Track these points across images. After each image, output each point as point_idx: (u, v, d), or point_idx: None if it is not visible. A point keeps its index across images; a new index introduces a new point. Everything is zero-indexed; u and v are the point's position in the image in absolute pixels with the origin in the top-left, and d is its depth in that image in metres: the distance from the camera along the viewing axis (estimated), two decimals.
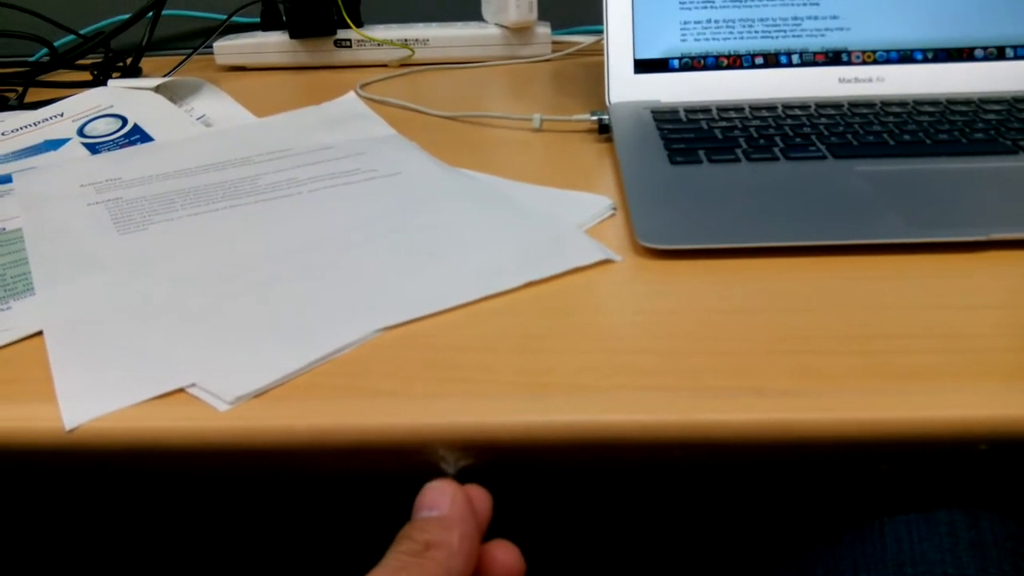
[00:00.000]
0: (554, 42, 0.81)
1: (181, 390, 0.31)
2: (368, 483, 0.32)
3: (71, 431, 0.30)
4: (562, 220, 0.43)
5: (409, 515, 0.28)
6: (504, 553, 0.29)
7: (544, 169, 0.51)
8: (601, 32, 0.58)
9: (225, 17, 0.84)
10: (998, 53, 0.57)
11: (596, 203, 0.45)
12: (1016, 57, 0.57)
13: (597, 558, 0.51)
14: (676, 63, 0.58)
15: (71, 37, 0.83)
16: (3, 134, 0.60)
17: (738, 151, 0.48)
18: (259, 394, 0.31)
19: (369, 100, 0.66)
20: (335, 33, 0.79)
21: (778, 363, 0.31)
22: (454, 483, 0.28)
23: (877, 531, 0.33)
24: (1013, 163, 0.45)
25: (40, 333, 0.35)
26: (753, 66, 0.58)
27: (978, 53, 0.57)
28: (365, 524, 0.28)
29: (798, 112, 0.54)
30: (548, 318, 0.35)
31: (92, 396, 0.31)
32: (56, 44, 0.80)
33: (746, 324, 0.34)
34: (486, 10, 0.82)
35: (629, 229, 0.42)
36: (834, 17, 0.58)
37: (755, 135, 0.50)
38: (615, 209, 0.45)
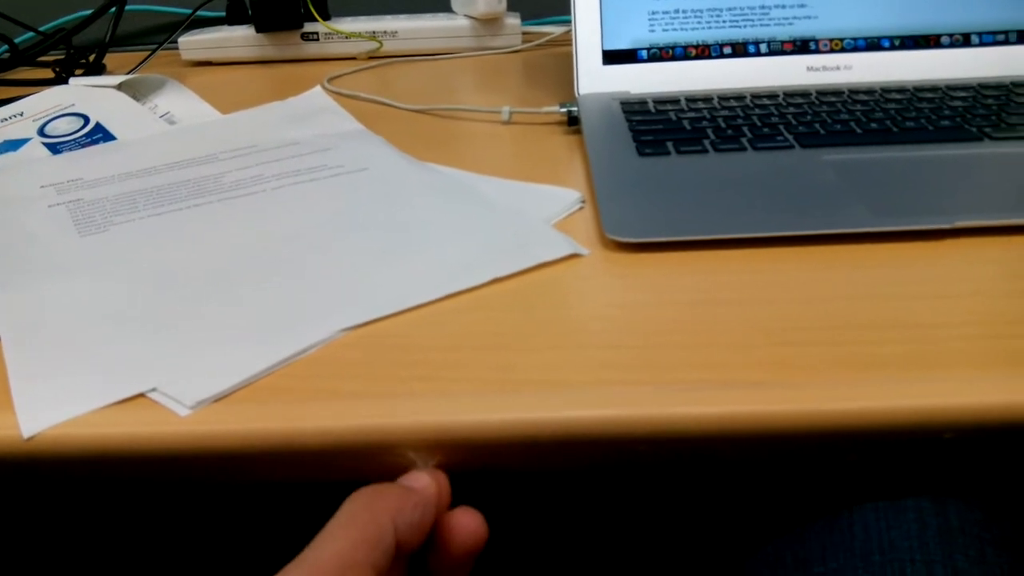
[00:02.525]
0: (524, 33, 0.80)
1: (142, 395, 0.31)
2: (341, 488, 0.32)
3: (29, 439, 0.29)
4: (529, 214, 0.43)
5: None
6: (466, 517, 0.30)
7: (513, 162, 0.51)
8: (571, 22, 0.58)
9: (190, 11, 0.82)
10: (964, 40, 0.57)
11: (565, 197, 0.45)
12: (981, 44, 0.57)
13: (569, 553, 0.51)
14: (644, 54, 0.58)
15: (32, 34, 0.82)
16: None
17: (706, 142, 0.48)
18: (220, 398, 0.30)
19: (337, 94, 0.65)
20: (302, 26, 0.78)
21: (748, 355, 0.31)
22: (430, 472, 0.31)
23: (845, 519, 0.33)
24: (978, 150, 0.46)
25: None
26: (721, 56, 0.58)
27: (944, 40, 0.57)
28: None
29: (766, 102, 0.53)
30: (515, 314, 0.35)
31: (50, 403, 0.30)
32: (17, 41, 0.78)
33: (714, 316, 0.34)
34: (455, 1, 0.81)
35: (597, 222, 0.42)
36: (801, 5, 0.57)
37: (723, 125, 0.50)
38: (584, 202, 0.45)
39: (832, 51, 0.57)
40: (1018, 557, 0.32)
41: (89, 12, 0.75)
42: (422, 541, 0.29)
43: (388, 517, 0.27)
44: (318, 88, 0.66)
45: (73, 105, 0.61)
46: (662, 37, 0.58)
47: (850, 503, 0.34)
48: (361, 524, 0.27)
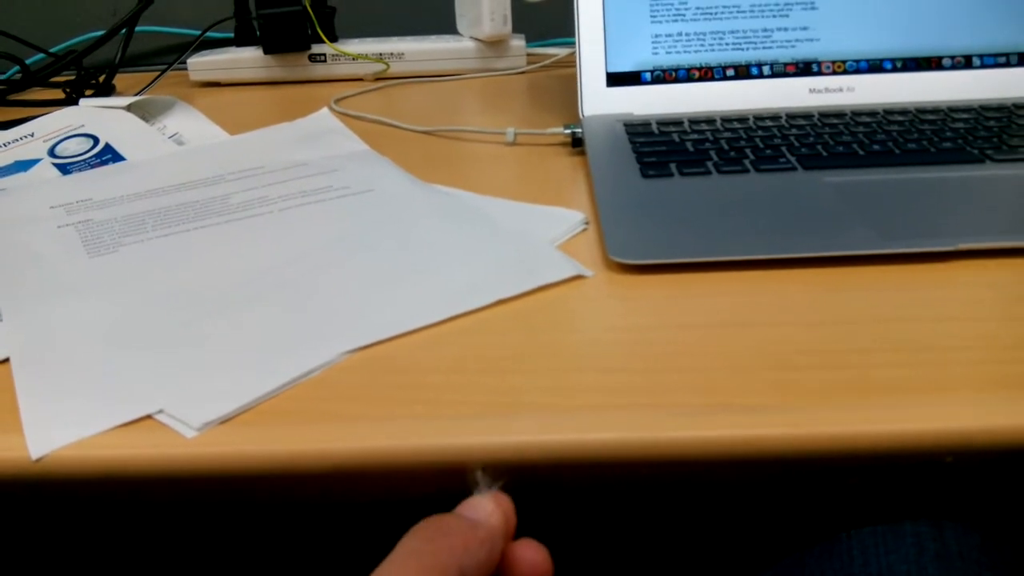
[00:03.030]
0: (529, 54, 0.81)
1: (148, 416, 0.31)
2: (344, 508, 0.32)
3: (37, 461, 0.30)
4: (533, 236, 0.43)
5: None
6: (531, 552, 0.27)
7: (518, 184, 0.52)
8: (575, 44, 0.58)
9: (199, 33, 0.83)
10: (965, 62, 0.57)
11: (568, 218, 0.45)
12: (983, 66, 0.57)
13: None
14: (648, 76, 0.58)
15: (43, 55, 0.83)
16: None
17: (709, 164, 0.48)
18: (226, 420, 0.30)
19: (344, 115, 0.66)
20: (309, 48, 0.79)
21: (749, 379, 0.32)
22: (494, 498, 0.28)
23: (844, 544, 0.33)
24: (979, 172, 0.46)
25: (7, 360, 0.35)
26: (724, 78, 0.58)
27: (946, 62, 0.58)
28: (353, 550, 0.28)
29: (769, 123, 0.54)
30: (517, 336, 0.35)
31: (59, 424, 0.31)
32: (28, 62, 0.79)
33: (717, 340, 0.34)
34: (461, 23, 0.82)
35: (601, 244, 0.42)
36: (804, 28, 0.58)
37: (726, 147, 0.50)
38: (587, 224, 0.45)
39: (835, 73, 0.58)
40: None
41: (100, 33, 0.76)
42: None
43: (454, 559, 0.24)
44: (325, 109, 0.67)
45: (83, 126, 0.62)
46: (665, 60, 0.58)
47: (848, 527, 0.34)
48: (422, 567, 0.24)
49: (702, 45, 0.58)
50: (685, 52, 0.58)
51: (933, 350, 0.33)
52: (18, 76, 0.78)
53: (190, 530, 0.51)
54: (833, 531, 0.34)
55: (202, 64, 0.80)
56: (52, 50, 0.83)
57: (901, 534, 0.32)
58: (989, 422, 0.29)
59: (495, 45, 0.79)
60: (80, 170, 0.57)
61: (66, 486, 0.30)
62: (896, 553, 0.32)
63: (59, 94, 0.75)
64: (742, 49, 0.58)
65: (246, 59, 0.79)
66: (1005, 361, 0.32)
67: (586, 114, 0.58)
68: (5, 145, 0.61)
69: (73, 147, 0.60)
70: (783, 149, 0.50)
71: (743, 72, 0.58)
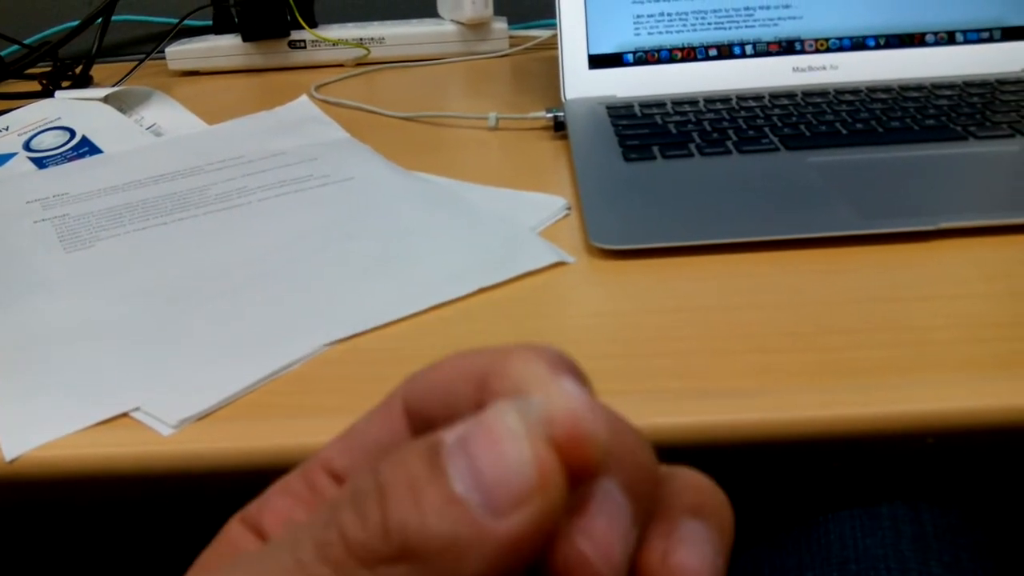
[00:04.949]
0: (511, 37, 0.80)
1: (125, 415, 0.31)
2: None
3: (11, 462, 0.29)
4: (515, 223, 0.43)
5: None
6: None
7: (500, 169, 0.51)
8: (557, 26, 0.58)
9: (177, 21, 0.82)
10: (949, 38, 0.57)
11: (551, 204, 0.45)
12: (966, 41, 0.57)
13: None
14: (630, 57, 0.58)
15: (17, 47, 0.81)
16: None
17: (691, 146, 0.48)
18: (204, 416, 0.30)
19: (324, 102, 0.65)
20: (289, 34, 0.78)
21: (729, 363, 0.31)
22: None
23: (821, 528, 0.33)
24: (962, 149, 0.46)
25: None
26: (707, 58, 0.57)
27: (929, 38, 0.57)
28: None
29: (752, 103, 0.53)
30: (500, 325, 0.35)
31: (33, 425, 0.30)
32: (3, 54, 0.78)
33: (699, 324, 0.34)
34: (442, 6, 0.81)
35: (584, 229, 0.42)
36: (786, 6, 0.57)
37: (708, 129, 0.50)
38: (570, 209, 0.45)
39: (818, 51, 0.57)
40: (992, 563, 0.32)
41: (75, 24, 0.75)
42: None
43: None
44: (304, 97, 0.66)
45: (59, 119, 0.61)
46: (647, 40, 0.58)
47: (826, 511, 0.34)
48: None
49: (684, 25, 0.57)
50: (667, 32, 0.57)
51: (916, 330, 0.33)
52: None
53: (168, 529, 0.50)
54: (810, 514, 0.34)
55: (180, 53, 0.79)
56: (27, 41, 0.82)
57: (878, 517, 0.32)
58: (973, 402, 0.29)
59: (477, 28, 0.79)
60: (56, 164, 0.56)
61: (42, 487, 0.30)
62: (873, 536, 0.32)
63: (35, 86, 0.74)
64: (724, 28, 0.57)
65: (225, 47, 0.78)
66: (986, 340, 0.32)
67: (568, 97, 0.57)
68: None
69: (49, 140, 0.59)
70: (766, 130, 0.49)
71: (726, 52, 0.58)
